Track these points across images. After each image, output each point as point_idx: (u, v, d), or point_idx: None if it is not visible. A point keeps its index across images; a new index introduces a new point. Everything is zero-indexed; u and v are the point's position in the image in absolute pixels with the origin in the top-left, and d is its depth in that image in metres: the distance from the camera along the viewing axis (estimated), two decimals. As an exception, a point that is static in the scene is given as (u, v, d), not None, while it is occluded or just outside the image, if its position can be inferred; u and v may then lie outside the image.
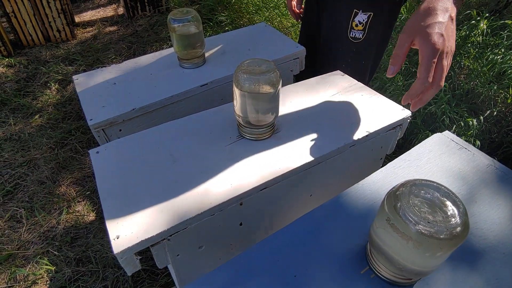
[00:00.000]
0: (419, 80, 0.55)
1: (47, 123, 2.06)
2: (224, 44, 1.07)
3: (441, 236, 0.36)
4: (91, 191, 1.70)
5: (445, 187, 0.41)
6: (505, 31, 2.32)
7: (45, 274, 1.35)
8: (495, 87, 2.02)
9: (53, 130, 2.02)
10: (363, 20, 0.95)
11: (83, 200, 1.65)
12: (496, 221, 0.56)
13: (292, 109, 0.79)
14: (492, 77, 2.09)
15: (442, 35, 0.54)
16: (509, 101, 1.93)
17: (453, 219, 0.37)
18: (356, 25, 0.96)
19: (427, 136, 1.77)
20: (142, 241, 0.51)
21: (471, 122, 1.84)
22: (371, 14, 0.94)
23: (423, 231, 0.37)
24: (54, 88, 2.31)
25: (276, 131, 0.72)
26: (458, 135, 1.83)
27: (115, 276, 1.33)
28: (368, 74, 1.09)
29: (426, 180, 0.42)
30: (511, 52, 2.15)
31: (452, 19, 0.56)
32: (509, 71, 2.09)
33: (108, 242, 1.46)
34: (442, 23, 0.54)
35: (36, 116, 2.09)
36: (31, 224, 1.54)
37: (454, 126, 1.81)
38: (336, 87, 0.86)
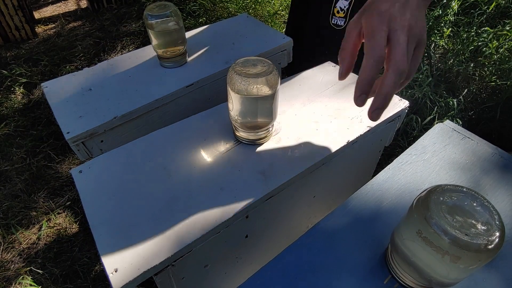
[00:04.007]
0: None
1: (15, 131, 1.91)
2: (205, 39, 1.00)
3: (482, 248, 0.34)
4: (72, 201, 1.60)
5: (474, 191, 0.38)
6: (476, 10, 2.36)
7: (30, 295, 1.26)
8: (472, 65, 2.06)
9: (22, 138, 1.88)
10: (345, 7, 0.93)
11: (64, 212, 1.56)
12: (509, 214, 0.55)
13: (288, 107, 0.74)
14: (468, 55, 2.13)
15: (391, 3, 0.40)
16: (487, 79, 1.97)
17: (490, 228, 0.35)
18: (338, 12, 0.94)
19: (412, 120, 1.79)
20: (144, 272, 0.46)
21: (451, 102, 1.87)
22: (352, 0, 0.91)
23: (461, 244, 0.34)
24: (19, 92, 2.14)
25: (274, 133, 0.68)
26: (440, 115, 1.86)
27: (107, 290, 1.27)
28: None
29: (454, 185, 0.39)
30: (484, 29, 2.19)
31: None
32: (483, 48, 2.13)
33: (95, 254, 1.39)
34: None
35: (2, 125, 1.94)
36: (9, 242, 1.44)
37: (436, 107, 1.83)
38: (330, 80, 0.82)
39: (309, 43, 1.06)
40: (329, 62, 0.89)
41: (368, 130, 0.69)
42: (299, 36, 1.05)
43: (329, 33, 0.98)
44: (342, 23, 0.95)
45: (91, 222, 0.52)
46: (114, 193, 0.56)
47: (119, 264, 0.46)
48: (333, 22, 0.96)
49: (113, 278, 0.45)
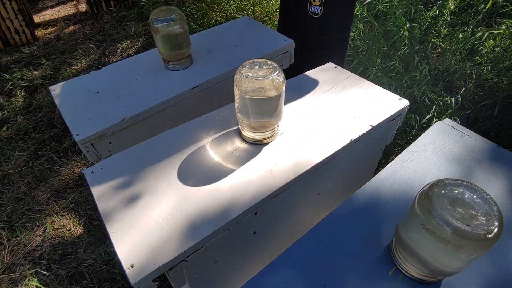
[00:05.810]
0: None
1: (17, 134, 1.93)
2: (208, 42, 1.03)
3: (482, 237, 0.36)
4: (75, 203, 1.61)
5: (474, 184, 0.40)
6: (472, 9, 2.39)
7: (37, 297, 1.28)
8: (468, 64, 2.09)
9: (24, 141, 1.89)
10: None
11: (68, 214, 1.57)
12: (509, 207, 0.57)
13: (292, 108, 0.76)
14: (465, 54, 2.16)
15: None
16: (483, 77, 1.99)
17: (490, 219, 0.37)
18: (314, 0, 1.00)
19: (411, 118, 1.81)
20: (159, 267, 0.47)
21: (449, 101, 1.90)
22: None
23: (463, 234, 0.36)
24: (20, 95, 2.16)
25: (280, 133, 0.70)
26: (438, 114, 1.89)
27: (113, 290, 1.28)
28: (336, 53, 1.10)
29: (455, 179, 0.41)
30: (480, 28, 2.22)
31: None
32: (480, 47, 2.16)
33: (100, 255, 1.40)
34: None
35: (4, 128, 1.95)
36: (14, 245, 1.45)
37: (434, 106, 1.86)
38: (332, 81, 0.84)
39: (292, 32, 1.11)
40: (330, 63, 0.91)
41: (370, 129, 0.71)
42: (286, 26, 1.10)
43: (308, 21, 1.04)
44: (318, 11, 1.01)
45: (106, 220, 0.54)
46: (126, 192, 0.58)
47: (135, 259, 0.48)
48: (310, 10, 1.02)
49: (130, 273, 0.47)
